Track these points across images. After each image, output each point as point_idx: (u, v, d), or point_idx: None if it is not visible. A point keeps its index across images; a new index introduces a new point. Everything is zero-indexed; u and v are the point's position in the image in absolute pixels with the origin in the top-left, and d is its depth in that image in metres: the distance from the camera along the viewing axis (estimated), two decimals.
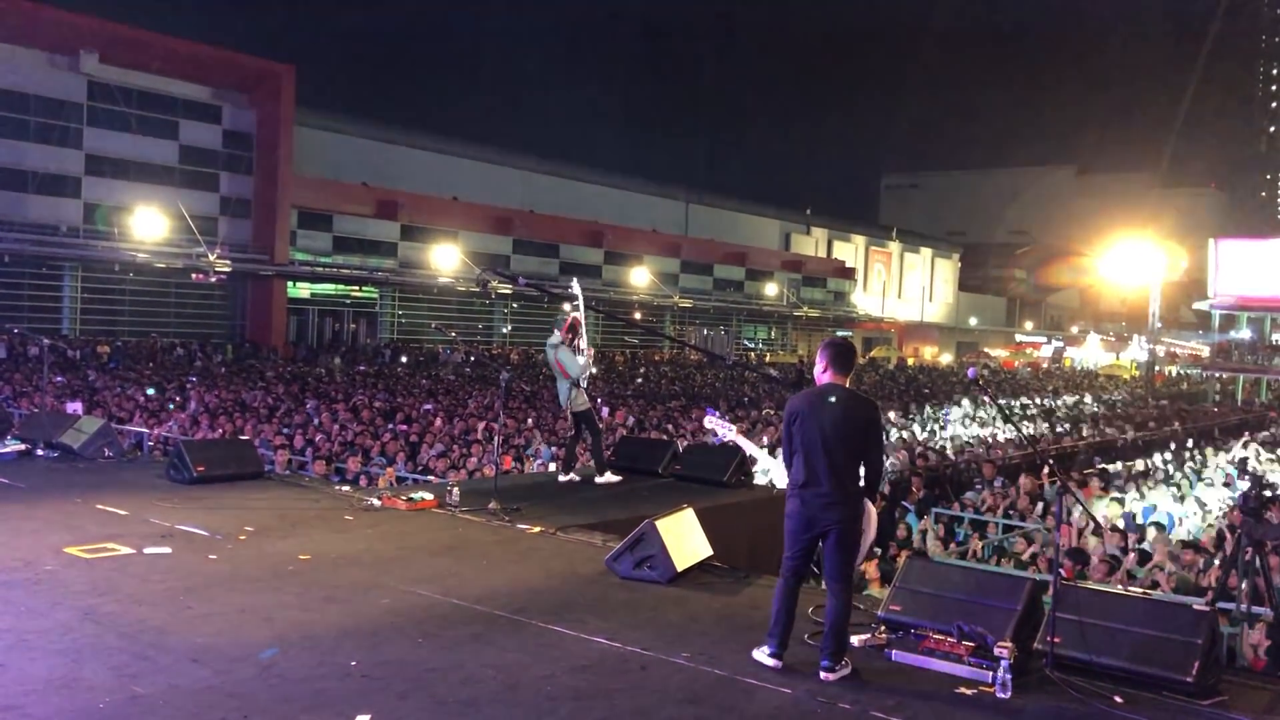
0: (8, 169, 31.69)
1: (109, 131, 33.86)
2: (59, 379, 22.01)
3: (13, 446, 11.13)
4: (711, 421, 7.97)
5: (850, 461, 5.23)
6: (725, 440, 7.58)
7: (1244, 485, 14.93)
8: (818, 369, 5.45)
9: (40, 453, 11.12)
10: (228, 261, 34.80)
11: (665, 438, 15.67)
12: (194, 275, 34.83)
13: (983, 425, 24.32)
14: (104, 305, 34.42)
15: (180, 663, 4.91)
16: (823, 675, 5.08)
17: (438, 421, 18.01)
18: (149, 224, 33.05)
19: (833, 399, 5.26)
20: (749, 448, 7.88)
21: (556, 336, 10.19)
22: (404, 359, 37.55)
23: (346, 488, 10.48)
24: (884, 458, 5.56)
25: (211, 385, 22.97)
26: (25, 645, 5.04)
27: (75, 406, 16.24)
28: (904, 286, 77.81)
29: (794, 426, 5.31)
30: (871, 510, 5.48)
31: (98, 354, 30.16)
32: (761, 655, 5.22)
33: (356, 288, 42.14)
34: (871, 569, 9.61)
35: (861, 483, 5.32)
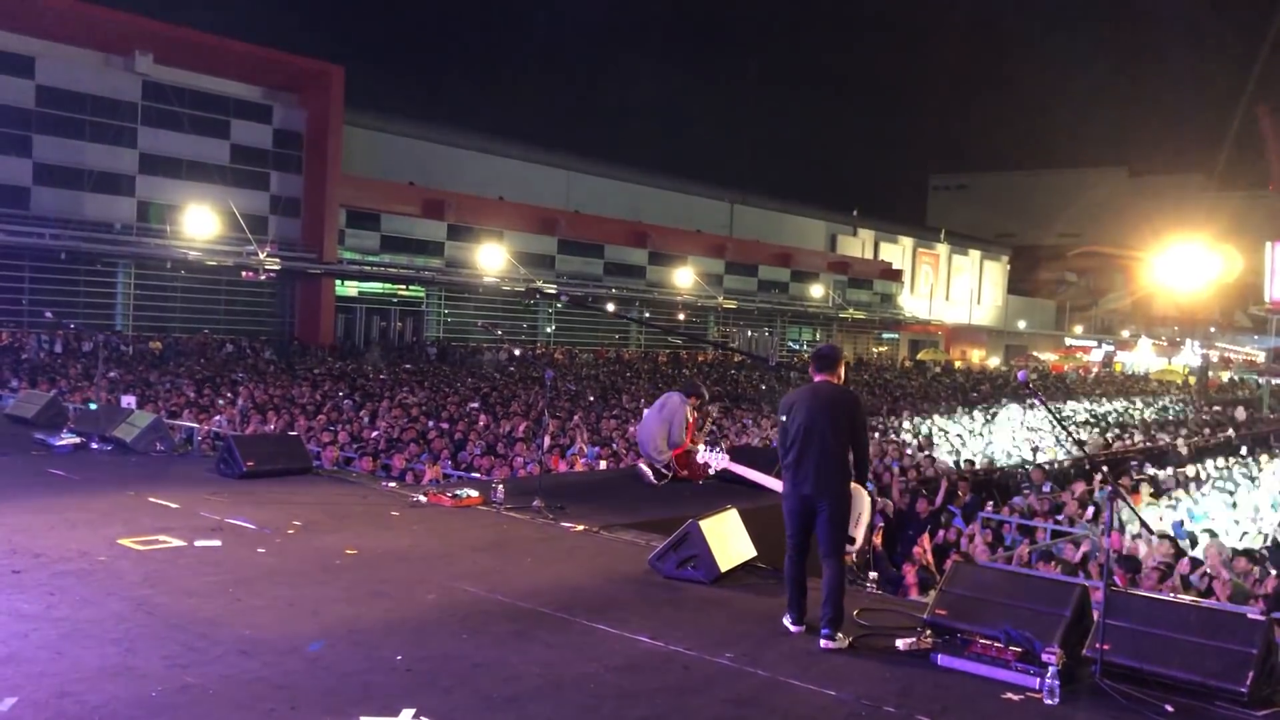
0: (65, 167, 32.31)
1: (162, 131, 34.38)
2: (112, 374, 22.40)
3: (68, 439, 11.36)
4: (704, 455, 8.05)
5: (837, 446, 5.88)
6: (717, 469, 7.80)
7: None
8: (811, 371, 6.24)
9: (95, 446, 11.34)
10: (277, 260, 35.21)
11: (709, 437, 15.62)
12: (244, 273, 35.27)
13: (1032, 430, 24.02)
14: (156, 302, 34.96)
15: (230, 654, 4.98)
16: (822, 643, 5.57)
17: (482, 420, 18.11)
18: (200, 222, 33.52)
19: (820, 392, 6.01)
20: (744, 472, 7.90)
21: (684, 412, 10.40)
22: (449, 359, 37.76)
23: (393, 484, 10.57)
24: (870, 443, 6.39)
25: (260, 381, 23.26)
26: (80, 634, 5.14)
27: (129, 400, 16.52)
28: (952, 289, 77.01)
29: (788, 418, 6.02)
30: (862, 491, 6.10)
31: (150, 350, 30.65)
32: (787, 623, 5.90)
33: (404, 286, 42.48)
34: (910, 575, 9.54)
35: (851, 466, 5.97)
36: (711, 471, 7.82)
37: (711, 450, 8.04)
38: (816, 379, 6.13)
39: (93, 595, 5.82)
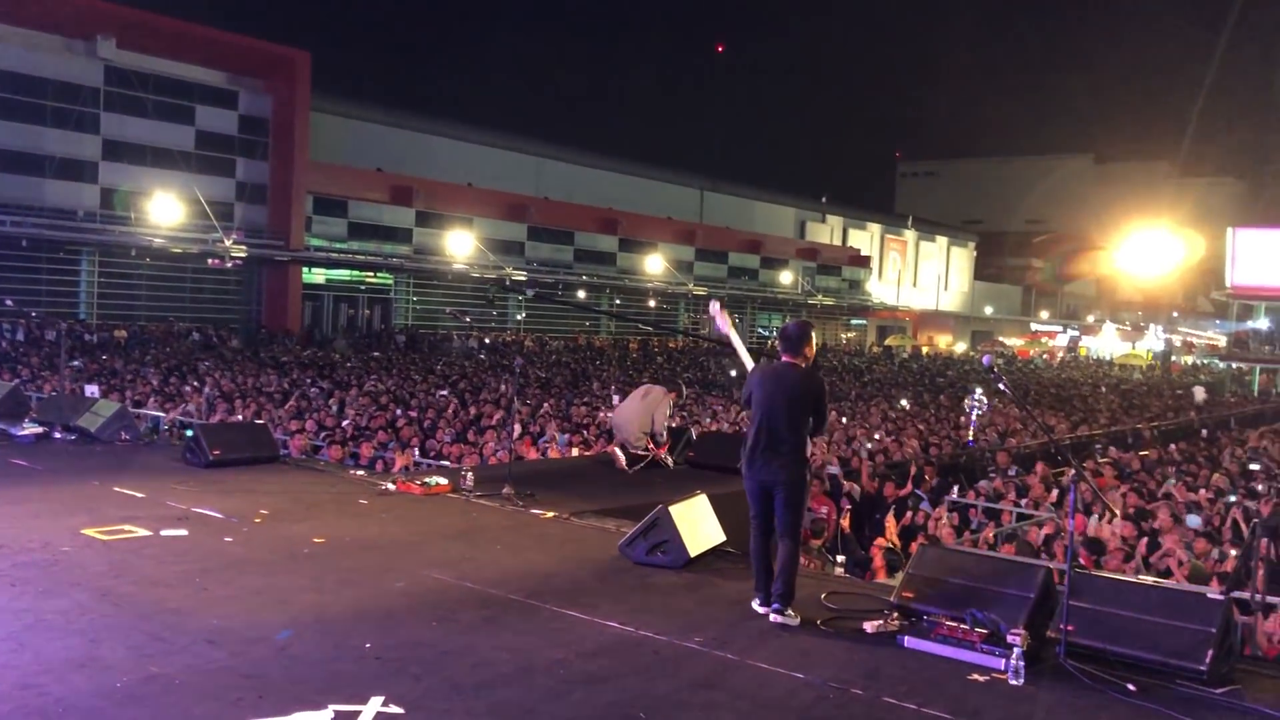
0: (26, 153, 31.79)
1: (126, 117, 33.92)
2: (76, 363, 22.13)
3: (31, 429, 11.22)
4: (714, 310, 7.92)
5: (797, 430, 5.89)
6: (722, 331, 7.60)
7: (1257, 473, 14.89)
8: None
9: (58, 435, 11.21)
10: (244, 247, 34.88)
11: (679, 424, 15.66)
12: (210, 260, 34.92)
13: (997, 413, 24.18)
14: (121, 290, 34.56)
15: (196, 643, 4.94)
16: (772, 617, 5.73)
17: (451, 407, 18.04)
18: (165, 209, 33.12)
19: (783, 380, 5.96)
20: (741, 350, 7.79)
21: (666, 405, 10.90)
22: (419, 347, 37.57)
23: (361, 472, 10.52)
24: (827, 416, 6.26)
25: (227, 370, 23.07)
26: (43, 625, 5.09)
27: (93, 389, 16.34)
28: (919, 275, 77.47)
29: (753, 396, 6.03)
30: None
31: (115, 338, 30.31)
32: (755, 605, 5.93)
33: (372, 274, 42.21)
34: (878, 557, 9.62)
35: (808, 444, 5.99)
36: (718, 327, 7.60)
37: (715, 305, 7.89)
38: (783, 359, 6.04)
39: (56, 586, 5.76)
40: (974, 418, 18.79)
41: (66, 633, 5.00)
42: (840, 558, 8.89)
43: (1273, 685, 5.01)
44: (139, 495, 8.36)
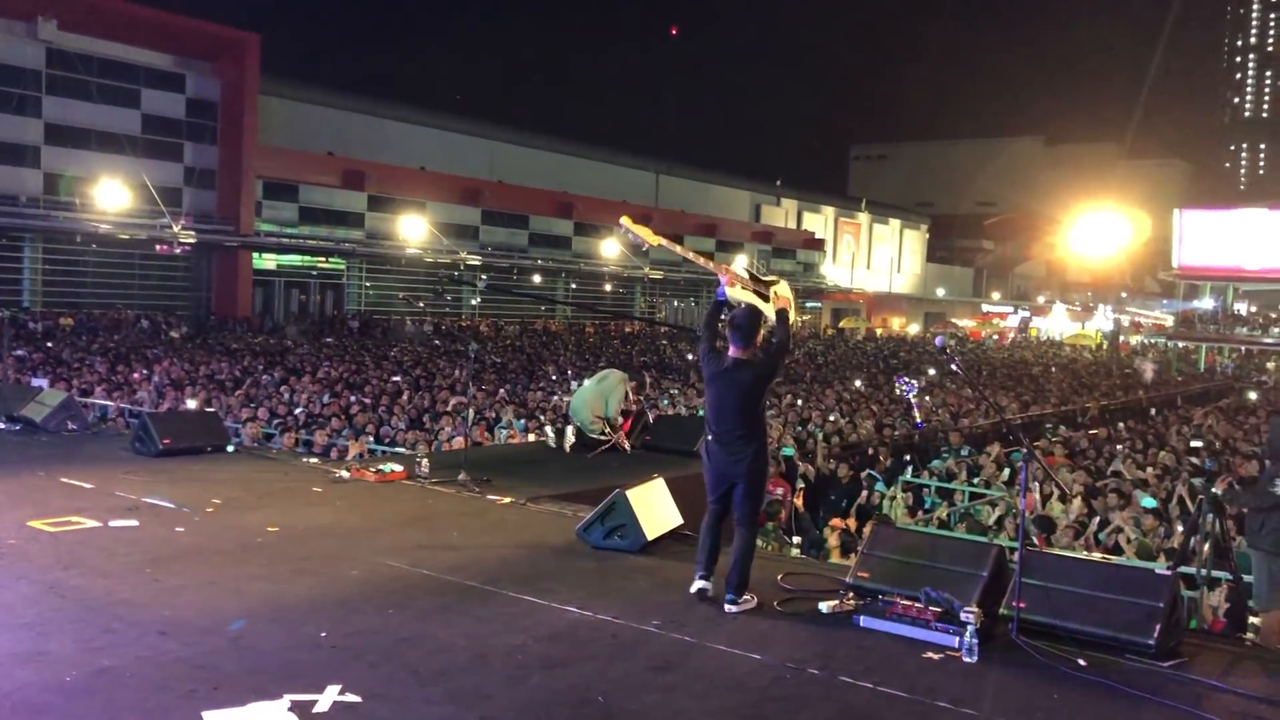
0: None
1: (69, 100, 33.19)
2: (19, 351, 21.69)
3: None
4: (626, 221, 7.67)
5: (752, 421, 5.80)
6: (636, 241, 6.98)
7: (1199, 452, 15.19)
8: None
9: (1, 426, 10.99)
10: (192, 233, 34.31)
11: (636, 407, 15.65)
12: (158, 246, 34.32)
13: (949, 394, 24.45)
14: (66, 277, 33.89)
15: (148, 635, 4.87)
16: (726, 607, 5.60)
17: (406, 393, 17.92)
18: (112, 194, 32.44)
19: (734, 376, 5.80)
20: (673, 247, 7.54)
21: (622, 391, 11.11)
22: (372, 332, 37.23)
23: (315, 460, 10.42)
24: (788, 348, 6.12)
25: (176, 357, 22.73)
26: None
27: (42, 381, 16.03)
28: (873, 257, 78.02)
29: (705, 392, 6.00)
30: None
31: (60, 326, 29.75)
32: (696, 582, 5.83)
33: (323, 259, 41.73)
34: (833, 538, 9.70)
35: (768, 432, 6.04)
36: (634, 240, 7.07)
37: (624, 220, 7.42)
38: (732, 352, 5.83)
39: (3, 580, 5.64)
40: (912, 399, 18.98)
41: (14, 627, 4.90)
42: (796, 539, 8.96)
43: (1217, 658, 5.13)
44: (87, 486, 8.22)
